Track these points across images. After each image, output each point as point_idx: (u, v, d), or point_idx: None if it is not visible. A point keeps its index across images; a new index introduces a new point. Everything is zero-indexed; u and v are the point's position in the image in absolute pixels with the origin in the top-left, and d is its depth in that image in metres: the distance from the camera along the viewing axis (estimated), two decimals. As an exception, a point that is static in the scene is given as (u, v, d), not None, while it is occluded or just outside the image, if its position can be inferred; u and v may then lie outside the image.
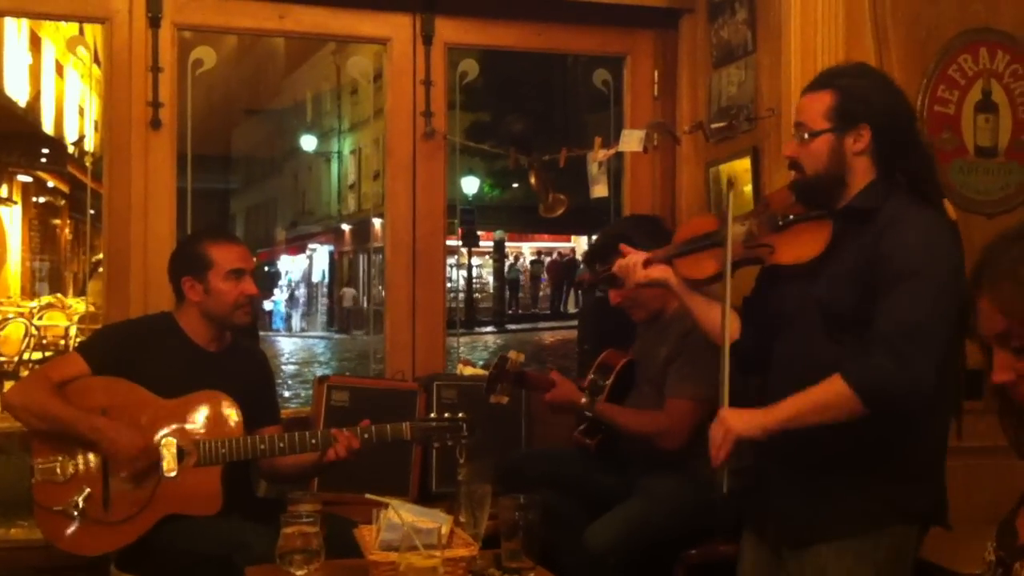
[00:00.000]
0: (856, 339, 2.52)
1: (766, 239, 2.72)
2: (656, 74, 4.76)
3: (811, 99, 2.68)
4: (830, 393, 2.48)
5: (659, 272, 2.88)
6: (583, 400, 3.62)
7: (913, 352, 2.41)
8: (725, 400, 2.63)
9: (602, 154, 4.22)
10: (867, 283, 2.52)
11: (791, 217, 2.70)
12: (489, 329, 25.11)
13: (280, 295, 33.27)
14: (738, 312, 2.84)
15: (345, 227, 32.91)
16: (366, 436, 3.26)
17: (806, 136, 2.65)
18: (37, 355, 10.09)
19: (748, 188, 4.00)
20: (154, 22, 4.18)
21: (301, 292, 35.06)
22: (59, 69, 18.75)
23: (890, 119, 2.64)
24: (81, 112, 19.98)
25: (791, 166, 2.72)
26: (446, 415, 3.35)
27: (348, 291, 30.63)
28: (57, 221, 21.01)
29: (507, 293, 29.39)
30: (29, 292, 16.99)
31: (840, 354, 2.54)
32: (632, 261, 2.92)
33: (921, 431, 2.59)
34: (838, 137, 2.63)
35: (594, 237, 3.69)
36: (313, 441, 3.24)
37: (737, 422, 2.56)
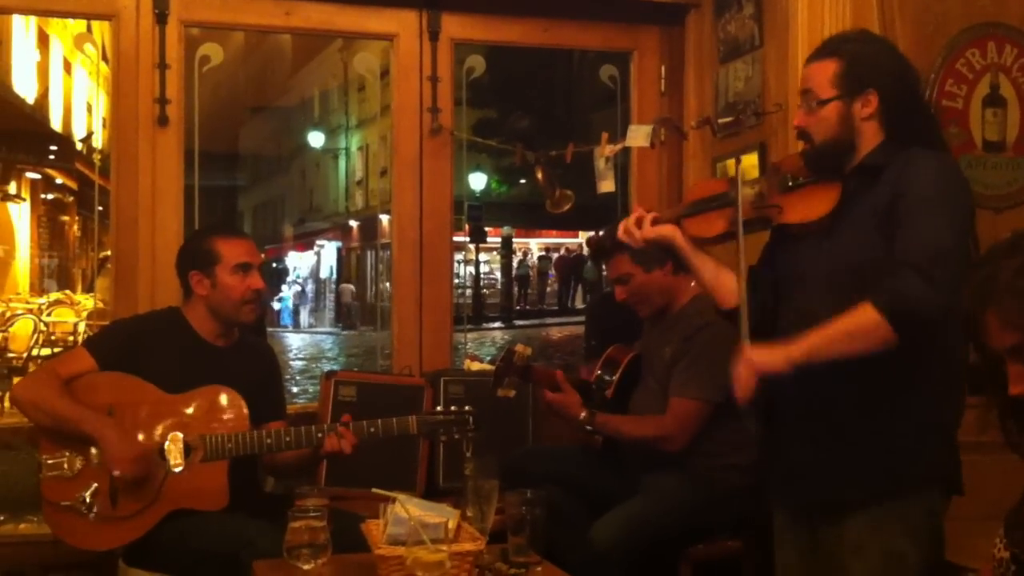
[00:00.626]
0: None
1: (775, 200, 2.72)
2: (663, 69, 4.76)
3: (817, 67, 2.68)
4: (859, 320, 2.43)
5: (666, 230, 2.82)
6: (583, 415, 3.60)
7: (941, 273, 2.38)
8: (745, 335, 2.59)
9: (609, 149, 4.21)
10: (884, 230, 2.51)
11: (800, 179, 2.70)
12: (497, 325, 25.10)
13: (288, 291, 33.30)
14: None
15: (353, 223, 32.93)
16: (372, 430, 3.26)
17: (814, 104, 2.66)
18: (46, 351, 10.10)
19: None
20: (161, 19, 4.19)
21: (309, 288, 35.07)
22: (67, 66, 18.79)
23: (897, 83, 2.65)
24: (89, 109, 19.99)
25: (800, 136, 2.72)
26: (452, 408, 3.36)
27: (347, 287, 30.92)
28: (65, 218, 21.06)
29: (515, 289, 29.38)
30: (38, 288, 17.03)
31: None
32: (636, 218, 2.88)
33: (939, 386, 2.59)
34: (846, 103, 2.63)
35: (600, 233, 3.66)
36: (319, 435, 3.24)
37: (760, 356, 2.51)
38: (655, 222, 2.83)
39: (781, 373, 2.51)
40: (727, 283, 2.77)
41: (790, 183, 2.71)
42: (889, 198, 2.53)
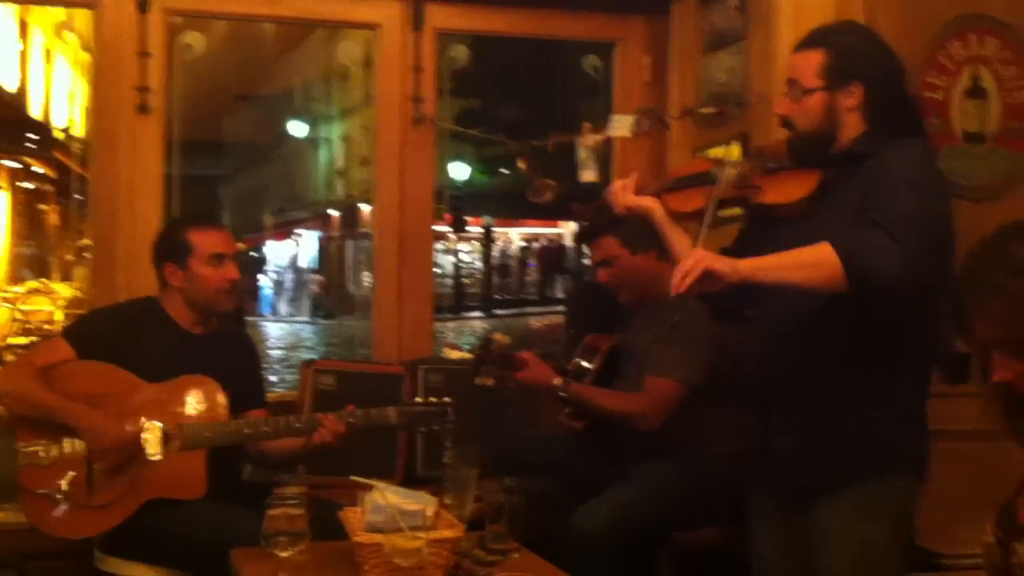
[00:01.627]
0: None
1: (755, 180, 2.73)
2: (646, 60, 4.75)
3: (803, 57, 2.69)
4: (814, 252, 2.42)
5: (647, 201, 2.84)
6: (555, 381, 3.62)
7: (907, 236, 2.37)
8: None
9: (591, 139, 4.22)
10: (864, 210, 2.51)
11: (782, 163, 2.72)
12: (477, 314, 25.12)
13: (266, 280, 33.20)
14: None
15: (333, 213, 32.84)
16: (351, 420, 3.26)
17: (799, 93, 2.66)
18: (22, 340, 10.04)
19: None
20: (143, 7, 4.15)
21: (288, 278, 34.97)
22: (48, 55, 18.65)
23: (882, 75, 2.66)
24: (70, 98, 19.89)
25: (783, 123, 2.73)
26: (431, 399, 3.36)
27: (315, 278, 31.33)
28: (44, 207, 20.92)
29: (495, 278, 29.39)
30: (15, 277, 16.93)
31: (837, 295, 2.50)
32: (621, 185, 2.89)
33: (916, 372, 2.63)
34: (831, 94, 2.64)
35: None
36: (298, 425, 3.24)
37: (709, 255, 2.47)
38: (638, 191, 2.84)
39: (721, 276, 2.45)
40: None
41: (771, 165, 2.73)
42: (866, 187, 2.53)
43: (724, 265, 2.44)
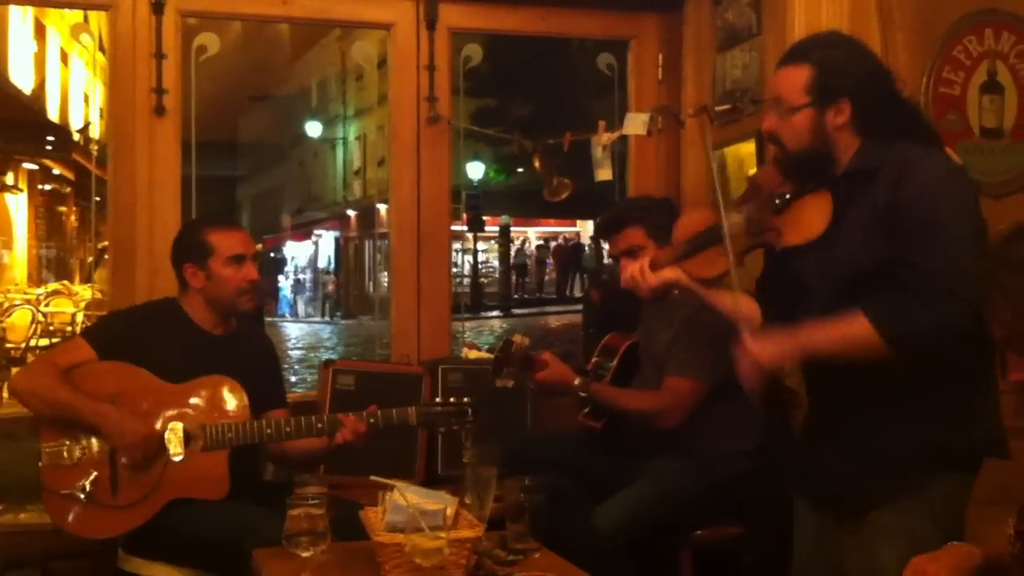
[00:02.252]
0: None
1: (770, 223, 2.67)
2: (660, 57, 4.76)
3: (788, 73, 2.63)
4: (851, 327, 2.42)
5: (670, 273, 2.84)
6: (576, 381, 3.62)
7: (940, 292, 2.35)
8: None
9: (606, 137, 4.22)
10: (887, 232, 2.47)
11: (787, 196, 2.64)
12: (495, 313, 25.12)
13: (285, 281, 33.30)
14: (751, 295, 2.81)
15: (351, 213, 32.90)
16: (372, 421, 3.27)
17: (785, 111, 2.61)
18: (44, 342, 10.12)
19: (753, 171, 3.99)
20: (158, 8, 4.18)
21: (307, 278, 35.06)
22: (64, 57, 18.75)
23: (868, 85, 2.60)
24: (86, 100, 19.99)
25: (770, 140, 2.68)
26: (451, 400, 3.37)
27: (328, 278, 31.92)
28: (63, 208, 21.04)
29: (513, 278, 29.38)
30: (35, 279, 17.03)
31: None
32: (639, 268, 2.88)
33: (965, 368, 2.55)
34: (818, 112, 2.59)
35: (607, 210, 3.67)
36: (319, 425, 3.25)
37: (762, 353, 2.51)
38: (654, 267, 2.85)
39: (783, 366, 2.54)
40: (747, 306, 2.74)
41: (778, 203, 2.65)
42: (889, 199, 2.48)
43: (775, 358, 2.53)
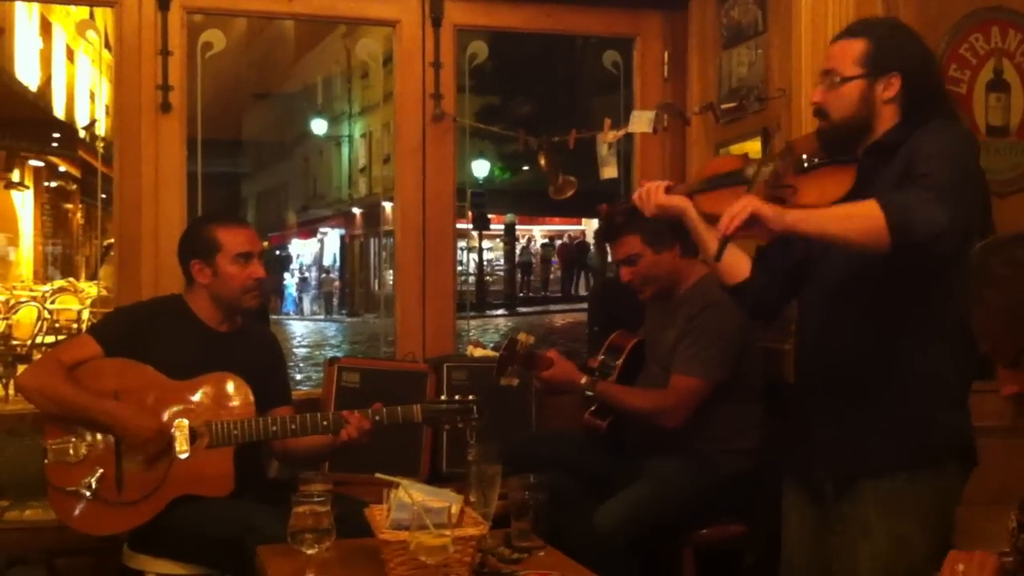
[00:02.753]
0: (890, 269, 2.50)
1: (790, 180, 2.69)
2: (666, 55, 4.76)
3: (844, 45, 2.68)
4: (859, 206, 2.42)
5: (678, 200, 2.81)
6: (583, 380, 3.62)
7: (949, 197, 2.37)
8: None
9: (612, 135, 4.21)
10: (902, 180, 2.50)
11: (816, 160, 2.68)
12: (500, 312, 25.12)
13: (291, 279, 33.34)
14: (753, 259, 2.81)
15: (356, 211, 32.92)
16: (377, 418, 3.27)
17: (837, 80, 2.65)
18: (50, 339, 10.13)
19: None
20: (163, 5, 4.18)
21: (312, 275, 35.10)
22: (70, 54, 18.77)
23: (920, 68, 2.67)
24: (92, 97, 20.01)
25: (816, 113, 2.71)
26: (456, 397, 3.36)
27: (328, 278, 32.35)
28: (69, 205, 21.07)
29: (518, 276, 29.38)
30: (41, 276, 17.06)
31: (874, 288, 2.54)
32: (653, 186, 2.86)
33: (953, 354, 2.58)
34: (869, 83, 2.63)
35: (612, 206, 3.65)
36: (324, 423, 3.25)
37: (759, 201, 2.49)
38: (668, 190, 2.83)
39: (767, 221, 2.46)
40: (735, 259, 2.76)
41: (805, 164, 2.69)
42: (903, 171, 2.53)
43: (771, 211, 2.46)
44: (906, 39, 2.71)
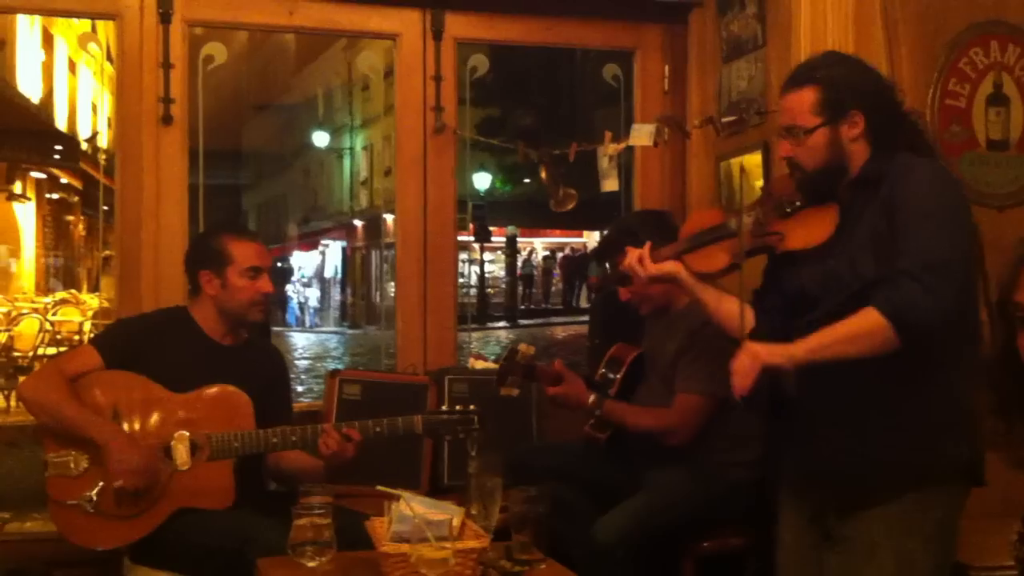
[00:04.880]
0: None
1: (775, 227, 2.72)
2: (666, 68, 4.77)
3: (795, 97, 2.66)
4: (861, 322, 2.44)
5: (669, 267, 2.87)
6: (591, 400, 3.61)
7: (937, 281, 2.40)
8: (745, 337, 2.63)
9: (612, 148, 4.23)
10: (886, 241, 2.51)
11: (797, 203, 2.69)
12: (501, 324, 25.11)
13: (293, 291, 33.35)
14: (750, 304, 2.82)
15: (357, 223, 32.94)
16: (377, 429, 3.27)
17: (801, 135, 2.64)
18: (51, 351, 10.11)
19: (759, 184, 3.99)
20: (165, 18, 4.20)
21: (314, 288, 35.11)
22: (72, 66, 18.80)
23: (876, 98, 2.66)
24: (94, 109, 20.04)
25: (789, 166, 2.71)
26: (457, 408, 3.36)
27: (310, 291, 33.00)
28: (71, 217, 21.08)
29: (519, 288, 29.38)
30: (43, 288, 17.06)
31: None
32: (637, 257, 2.91)
33: (957, 376, 2.59)
34: (833, 128, 2.63)
35: (604, 232, 3.69)
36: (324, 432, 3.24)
37: (763, 350, 2.53)
38: (656, 259, 2.87)
39: (781, 369, 2.53)
40: (732, 311, 2.77)
41: (788, 209, 2.70)
42: (886, 206, 2.53)
43: (780, 358, 2.51)
44: (853, 71, 2.69)
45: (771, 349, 2.53)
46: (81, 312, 11.88)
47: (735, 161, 4.25)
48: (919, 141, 2.71)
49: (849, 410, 2.61)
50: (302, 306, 32.06)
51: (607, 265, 3.79)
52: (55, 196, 19.49)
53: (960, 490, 2.64)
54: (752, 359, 2.51)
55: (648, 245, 2.93)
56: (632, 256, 2.93)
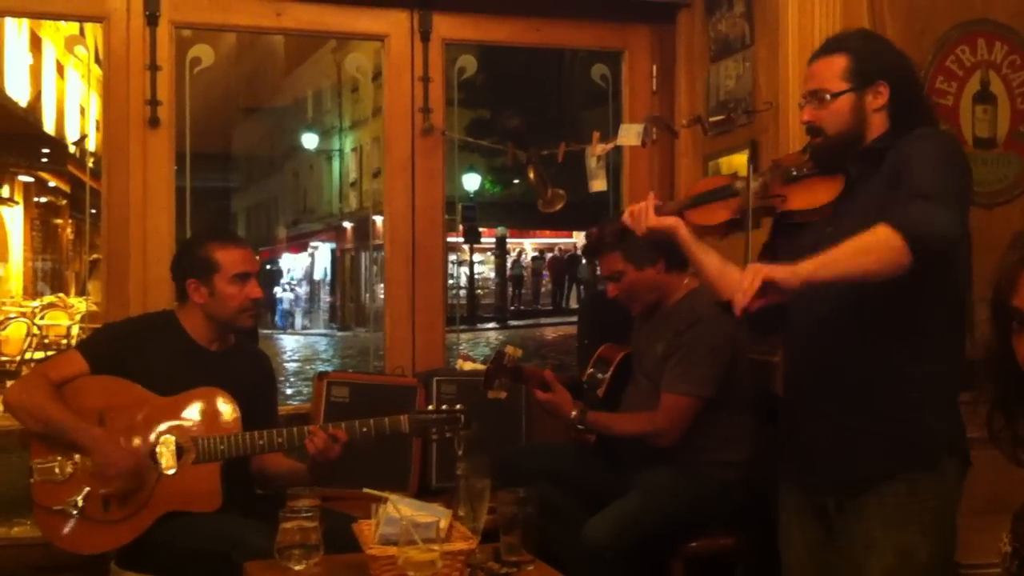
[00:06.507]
0: None
1: (778, 190, 2.74)
2: (654, 68, 4.77)
3: (825, 63, 2.71)
4: (876, 235, 2.36)
5: (670, 221, 2.82)
6: (573, 414, 3.59)
7: (946, 200, 2.41)
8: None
9: (600, 148, 4.22)
10: (889, 201, 2.50)
11: (804, 170, 2.73)
12: (491, 325, 25.11)
13: (283, 293, 33.34)
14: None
15: (347, 225, 32.93)
16: (364, 430, 3.26)
17: (827, 98, 2.67)
18: (39, 355, 10.10)
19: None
20: (152, 20, 4.19)
21: (303, 290, 35.08)
22: (60, 69, 18.76)
23: (903, 74, 2.71)
24: (82, 112, 20.00)
25: (809, 131, 2.73)
26: (444, 407, 3.35)
27: (288, 295, 32.98)
28: (59, 221, 21.03)
29: (509, 289, 29.38)
30: (31, 292, 17.01)
31: (864, 292, 2.49)
32: (643, 206, 2.86)
33: (939, 359, 2.62)
34: (859, 95, 2.66)
35: (598, 227, 3.67)
36: (312, 434, 3.22)
37: (765, 266, 2.38)
38: (658, 211, 2.83)
39: (785, 286, 2.35)
40: (732, 275, 2.75)
41: (794, 173, 2.74)
42: (892, 176, 2.55)
43: (783, 272, 2.34)
44: (882, 47, 2.76)
45: (774, 266, 2.39)
46: (69, 316, 11.85)
47: (724, 160, 4.25)
48: (932, 121, 2.77)
49: (839, 390, 2.63)
50: (291, 308, 32.03)
51: (596, 263, 3.79)
52: (43, 200, 19.45)
53: (952, 475, 2.65)
54: (754, 274, 2.34)
55: (651, 195, 2.89)
56: (637, 206, 2.87)
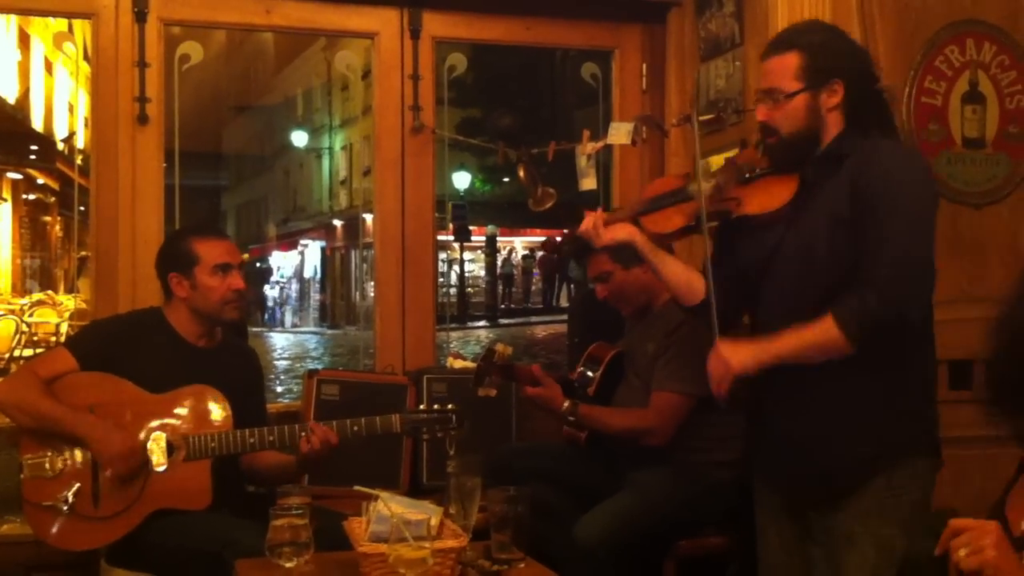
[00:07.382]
0: (837, 279, 2.54)
1: (733, 192, 2.73)
2: (644, 67, 4.77)
3: (778, 61, 2.66)
4: (821, 334, 2.51)
5: (623, 231, 2.86)
6: (565, 405, 3.60)
7: (900, 286, 2.46)
8: (715, 329, 2.67)
9: (590, 147, 4.21)
10: (847, 220, 2.54)
11: (757, 170, 2.71)
12: (482, 324, 25.09)
13: (272, 291, 33.30)
14: (702, 275, 2.82)
15: (337, 223, 32.88)
16: (355, 429, 3.26)
17: (780, 98, 2.64)
18: (28, 352, 10.08)
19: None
20: (140, 17, 4.17)
21: (293, 288, 35.03)
22: (48, 66, 18.69)
23: (858, 70, 2.67)
24: (71, 109, 19.93)
25: (764, 131, 2.71)
26: (435, 407, 3.35)
27: (272, 294, 33.32)
28: (47, 218, 20.96)
29: (500, 288, 29.37)
30: (20, 289, 16.96)
31: (823, 295, 2.55)
32: (592, 223, 2.89)
33: (921, 356, 2.66)
34: (813, 95, 2.63)
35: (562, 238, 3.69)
36: (303, 434, 3.23)
37: (734, 358, 2.59)
38: (607, 223, 2.86)
39: (757, 370, 2.58)
40: (689, 279, 2.79)
41: (747, 175, 2.72)
42: (850, 188, 2.55)
43: (748, 363, 2.58)
44: (837, 42, 2.70)
45: (741, 357, 2.58)
46: (58, 313, 11.82)
47: (714, 159, 4.25)
48: (887, 118, 2.73)
49: (810, 385, 2.63)
50: (281, 306, 32.02)
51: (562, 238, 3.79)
52: (31, 197, 19.38)
53: (925, 466, 2.67)
54: (725, 369, 2.58)
55: (600, 209, 2.92)
56: (587, 221, 2.91)
